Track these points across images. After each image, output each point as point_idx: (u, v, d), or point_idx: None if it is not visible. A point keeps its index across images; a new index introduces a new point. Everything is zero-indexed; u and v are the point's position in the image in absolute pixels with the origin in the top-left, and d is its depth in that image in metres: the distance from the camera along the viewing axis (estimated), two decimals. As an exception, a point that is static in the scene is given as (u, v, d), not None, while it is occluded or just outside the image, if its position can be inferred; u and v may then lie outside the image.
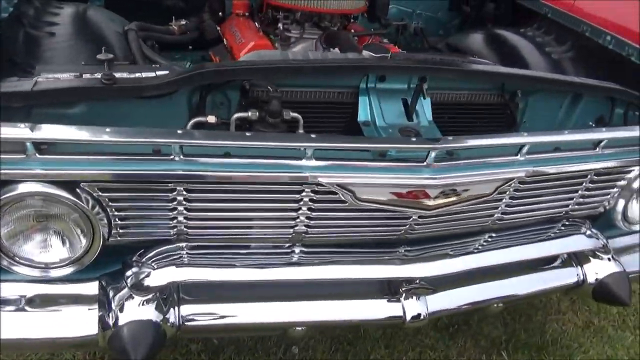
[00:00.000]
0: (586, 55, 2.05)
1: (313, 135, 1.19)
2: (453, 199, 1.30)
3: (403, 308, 1.34)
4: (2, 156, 1.04)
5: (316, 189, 1.23)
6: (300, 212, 1.28)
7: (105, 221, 1.18)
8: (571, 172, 1.47)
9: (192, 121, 1.31)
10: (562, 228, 1.64)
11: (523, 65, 2.03)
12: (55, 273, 1.22)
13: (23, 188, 1.08)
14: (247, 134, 1.17)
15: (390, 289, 1.38)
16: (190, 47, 2.33)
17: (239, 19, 2.29)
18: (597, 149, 1.49)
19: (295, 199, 1.25)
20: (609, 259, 1.61)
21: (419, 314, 1.35)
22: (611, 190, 1.62)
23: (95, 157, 1.11)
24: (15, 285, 1.21)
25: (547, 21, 2.28)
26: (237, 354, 1.94)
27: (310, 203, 1.26)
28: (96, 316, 1.19)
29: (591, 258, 1.62)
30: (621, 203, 1.65)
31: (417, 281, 1.35)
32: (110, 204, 1.16)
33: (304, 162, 1.20)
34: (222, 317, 1.27)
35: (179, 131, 1.13)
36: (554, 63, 2.07)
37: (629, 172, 1.59)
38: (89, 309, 1.21)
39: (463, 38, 2.47)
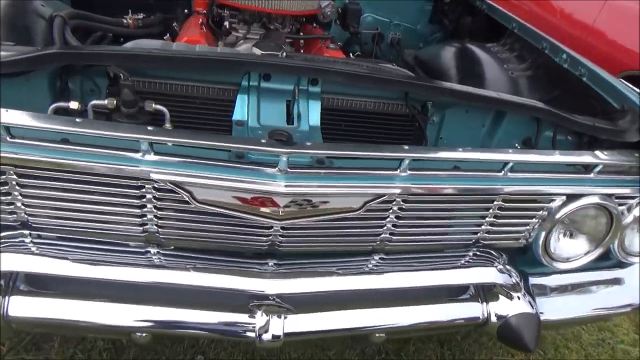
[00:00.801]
0: (543, 73, 1.89)
1: (150, 128, 1.11)
2: (309, 209, 1.18)
3: (255, 325, 1.22)
4: None
5: (156, 186, 1.15)
6: (146, 209, 1.20)
7: None
8: (468, 193, 1.31)
9: (52, 106, 1.26)
10: (472, 259, 1.48)
11: (480, 81, 1.89)
12: None
13: None
14: (79, 120, 1.10)
15: (248, 305, 1.27)
16: None
17: (194, 17, 2.26)
18: (502, 172, 1.33)
19: (136, 194, 1.17)
20: (518, 298, 1.43)
21: (272, 334, 1.22)
22: (529, 220, 1.45)
23: None
24: None
25: (514, 36, 2.13)
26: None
27: (155, 201, 1.18)
28: None
29: (500, 296, 1.44)
30: (542, 236, 1.47)
31: (271, 298, 1.23)
32: None
33: (138, 156, 1.12)
34: (54, 312, 1.19)
35: (5, 110, 1.08)
36: (511, 80, 1.92)
37: (550, 201, 1.42)
38: None
39: (430, 51, 2.36)
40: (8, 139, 1.09)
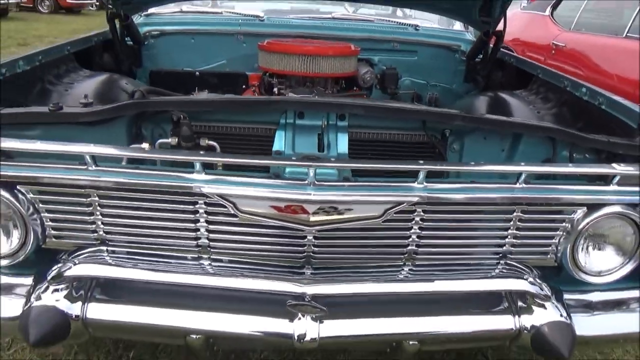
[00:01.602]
0: (567, 109, 2.02)
1: (202, 152, 1.36)
2: (335, 217, 1.35)
3: (294, 328, 1.36)
4: None
5: (207, 201, 1.37)
6: (199, 224, 1.42)
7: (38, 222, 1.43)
8: (484, 202, 1.43)
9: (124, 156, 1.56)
10: (503, 272, 1.55)
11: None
12: None
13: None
14: (146, 147, 1.37)
15: (287, 310, 1.41)
16: None
17: (250, 90, 2.61)
18: (517, 183, 1.44)
19: (191, 209, 1.40)
20: (550, 307, 1.46)
21: (309, 336, 1.35)
22: (553, 232, 1.52)
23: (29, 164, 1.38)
24: None
25: (539, 81, 2.29)
26: None
27: (205, 215, 1.40)
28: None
29: (532, 307, 1.48)
30: (568, 248, 1.52)
31: (308, 300, 1.37)
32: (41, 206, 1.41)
33: (193, 175, 1.36)
34: (126, 317, 1.40)
35: (92, 145, 1.37)
36: (538, 118, 2.05)
37: (572, 212, 1.49)
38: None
39: (464, 102, 2.54)
40: (93, 167, 1.37)
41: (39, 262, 1.49)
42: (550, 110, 2.09)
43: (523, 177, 1.43)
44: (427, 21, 3.10)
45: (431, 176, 1.41)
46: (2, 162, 1.38)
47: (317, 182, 1.34)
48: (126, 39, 2.66)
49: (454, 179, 1.43)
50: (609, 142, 1.55)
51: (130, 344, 2.21)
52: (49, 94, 1.93)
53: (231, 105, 1.56)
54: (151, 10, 2.92)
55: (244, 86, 2.74)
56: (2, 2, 14.82)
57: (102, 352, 2.17)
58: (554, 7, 5.89)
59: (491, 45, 2.64)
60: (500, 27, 2.52)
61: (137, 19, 2.83)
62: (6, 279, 1.49)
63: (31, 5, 17.27)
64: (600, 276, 1.56)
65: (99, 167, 1.38)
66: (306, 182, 1.34)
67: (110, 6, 2.42)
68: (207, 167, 1.37)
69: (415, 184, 1.38)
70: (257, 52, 2.49)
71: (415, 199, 1.38)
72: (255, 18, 2.90)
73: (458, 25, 3.14)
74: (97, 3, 20.32)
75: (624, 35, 4.44)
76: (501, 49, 2.66)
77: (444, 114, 1.57)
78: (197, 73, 2.82)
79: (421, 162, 1.39)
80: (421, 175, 1.38)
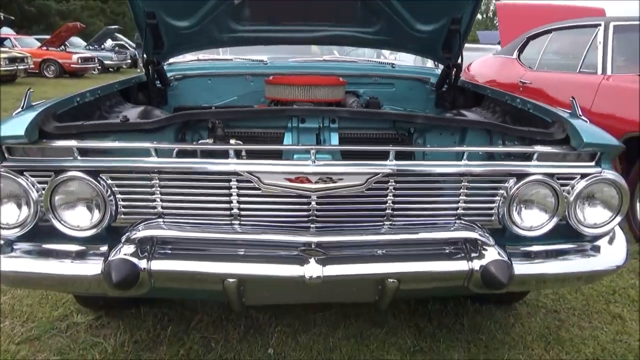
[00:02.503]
0: (510, 118, 2.60)
1: (232, 142, 1.91)
2: (330, 185, 1.89)
3: (304, 270, 1.85)
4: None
5: (239, 178, 1.91)
6: (233, 197, 1.94)
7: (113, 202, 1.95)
8: (440, 174, 1.97)
9: (176, 149, 2.11)
10: (460, 225, 2.06)
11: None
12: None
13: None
14: (194, 143, 1.93)
15: (298, 256, 1.91)
16: None
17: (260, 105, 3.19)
18: (462, 160, 1.99)
19: (226, 186, 1.93)
20: (493, 249, 1.97)
21: (315, 275, 1.84)
22: (494, 197, 2.05)
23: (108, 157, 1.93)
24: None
25: (489, 99, 2.89)
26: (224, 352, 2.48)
27: (237, 190, 1.93)
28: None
29: (481, 252, 1.99)
30: (505, 209, 2.05)
31: (314, 246, 1.88)
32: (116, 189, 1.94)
33: (228, 160, 1.90)
34: (179, 268, 1.89)
35: (154, 141, 1.92)
36: None
37: (505, 182, 2.03)
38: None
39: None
40: (156, 156, 1.91)
41: (108, 238, 1.99)
42: (497, 120, 2.67)
43: (465, 155, 1.98)
44: (402, 61, 3.76)
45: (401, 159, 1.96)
46: (90, 157, 1.92)
47: (316, 161, 1.88)
48: (156, 82, 3.27)
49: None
50: (529, 130, 2.12)
51: (166, 325, 2.67)
52: (105, 118, 2.50)
53: (252, 114, 2.13)
54: (172, 60, 3.55)
55: None
56: (10, 68, 15.78)
57: (143, 330, 2.63)
58: (520, 51, 6.65)
59: (453, 75, 3.26)
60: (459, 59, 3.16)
61: (163, 66, 3.45)
62: (91, 247, 1.99)
63: (37, 71, 18.29)
64: (532, 230, 2.08)
65: (160, 157, 1.92)
66: (309, 161, 1.89)
67: (145, 55, 3.05)
68: (237, 156, 1.92)
69: (387, 162, 1.93)
70: (263, 88, 3.10)
71: (388, 171, 1.92)
72: (260, 62, 3.54)
73: (430, 63, 3.80)
74: (99, 67, 21.47)
75: (577, 71, 5.13)
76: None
77: (410, 115, 2.15)
78: (214, 108, 3.42)
79: (391, 145, 1.95)
80: (391, 155, 1.93)
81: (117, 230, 1.98)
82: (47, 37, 21.40)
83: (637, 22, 4.87)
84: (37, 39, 21.90)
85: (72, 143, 1.90)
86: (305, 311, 2.76)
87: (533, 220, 2.08)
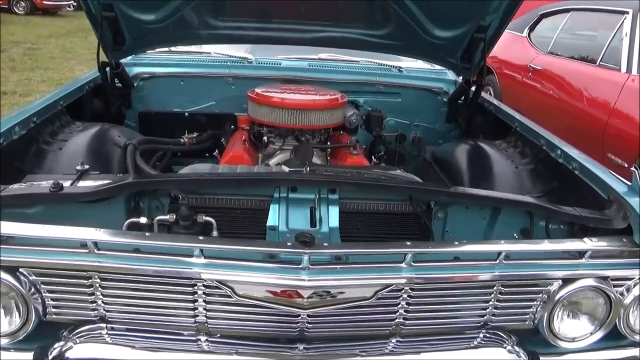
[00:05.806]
0: (543, 167, 2.12)
1: (200, 238, 1.42)
2: (329, 299, 1.42)
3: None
4: None
5: (206, 284, 1.44)
6: (197, 303, 1.48)
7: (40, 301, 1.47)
8: (467, 281, 1.52)
9: (127, 222, 1.61)
10: (483, 340, 1.64)
11: (489, 175, 2.14)
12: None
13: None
14: (147, 234, 1.43)
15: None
16: (206, 154, 2.73)
17: (239, 132, 2.67)
18: (497, 260, 1.54)
19: (190, 291, 1.46)
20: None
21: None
22: (531, 302, 1.62)
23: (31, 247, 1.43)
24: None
25: (517, 134, 2.40)
26: None
27: (204, 296, 1.46)
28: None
29: (512, 375, 1.59)
30: (545, 317, 1.63)
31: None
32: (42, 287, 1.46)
33: (192, 260, 1.42)
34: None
35: (94, 230, 1.42)
36: (516, 173, 2.16)
37: (548, 285, 1.60)
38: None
39: (446, 149, 2.64)
40: (95, 251, 1.42)
41: (39, 336, 1.53)
42: (527, 166, 2.19)
43: (502, 255, 1.53)
44: (411, 61, 3.20)
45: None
46: (2, 247, 1.42)
47: (311, 267, 1.41)
48: (116, 82, 2.70)
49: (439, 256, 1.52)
50: (581, 216, 1.66)
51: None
52: (44, 154, 1.96)
53: (227, 183, 1.62)
54: None
55: (232, 127, 2.80)
56: (-24, 3, 14.55)
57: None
58: (531, 29, 6.05)
59: (472, 90, 2.75)
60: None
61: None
62: (7, 355, 1.53)
63: (6, 6, 16.92)
64: (574, 342, 1.67)
65: (101, 252, 1.43)
66: (301, 266, 1.41)
67: (102, 53, 2.46)
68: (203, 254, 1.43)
69: (403, 265, 1.47)
70: (245, 93, 2.55)
71: (404, 280, 1.46)
72: (244, 60, 2.96)
73: (440, 65, 3.24)
74: (75, 4, 20.02)
75: (597, 64, 4.60)
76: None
77: (431, 190, 1.66)
78: (187, 114, 2.87)
79: (408, 243, 1.48)
80: (408, 257, 1.46)
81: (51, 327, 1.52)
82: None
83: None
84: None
85: None
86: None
87: (577, 331, 1.66)
